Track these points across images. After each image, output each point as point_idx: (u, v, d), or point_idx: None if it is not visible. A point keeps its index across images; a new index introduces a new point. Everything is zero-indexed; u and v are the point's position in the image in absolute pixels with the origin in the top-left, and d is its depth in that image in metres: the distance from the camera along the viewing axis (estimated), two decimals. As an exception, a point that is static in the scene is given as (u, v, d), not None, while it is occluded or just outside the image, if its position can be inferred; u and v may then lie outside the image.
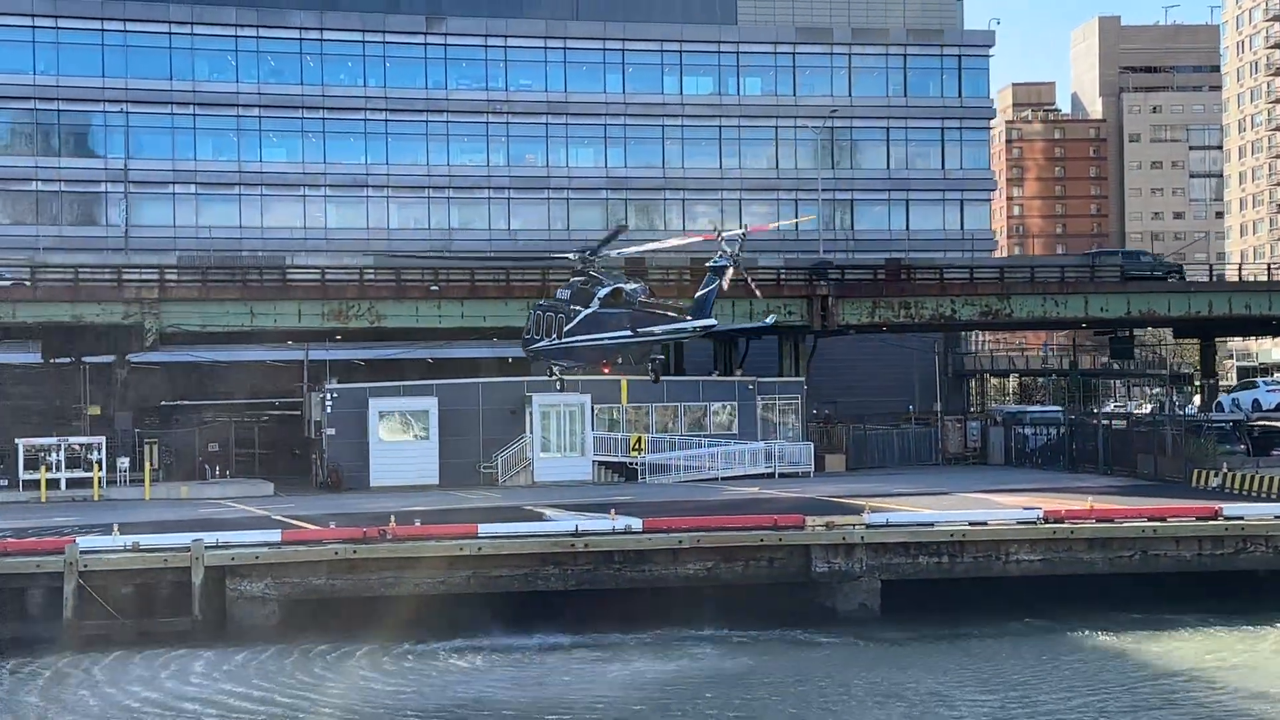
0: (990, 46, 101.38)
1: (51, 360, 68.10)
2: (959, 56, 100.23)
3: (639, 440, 62.22)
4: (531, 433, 61.23)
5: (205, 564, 36.75)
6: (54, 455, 57.03)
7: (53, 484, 56.44)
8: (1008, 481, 57.45)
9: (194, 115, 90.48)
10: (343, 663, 35.21)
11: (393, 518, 39.10)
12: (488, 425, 61.56)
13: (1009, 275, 70.44)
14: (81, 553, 36.29)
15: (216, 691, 32.74)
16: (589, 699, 32.23)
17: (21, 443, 56.97)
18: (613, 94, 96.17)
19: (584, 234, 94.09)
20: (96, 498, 55.96)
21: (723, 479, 61.48)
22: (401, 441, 60.51)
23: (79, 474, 56.93)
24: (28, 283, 56.88)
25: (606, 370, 44.40)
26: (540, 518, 43.68)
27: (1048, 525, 40.90)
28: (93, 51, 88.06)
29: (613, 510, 41.38)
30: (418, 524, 39.44)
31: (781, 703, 32.17)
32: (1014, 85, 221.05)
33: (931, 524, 41.25)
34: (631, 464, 61.79)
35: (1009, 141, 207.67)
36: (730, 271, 39.36)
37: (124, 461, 58.54)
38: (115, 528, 38.57)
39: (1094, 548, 41.05)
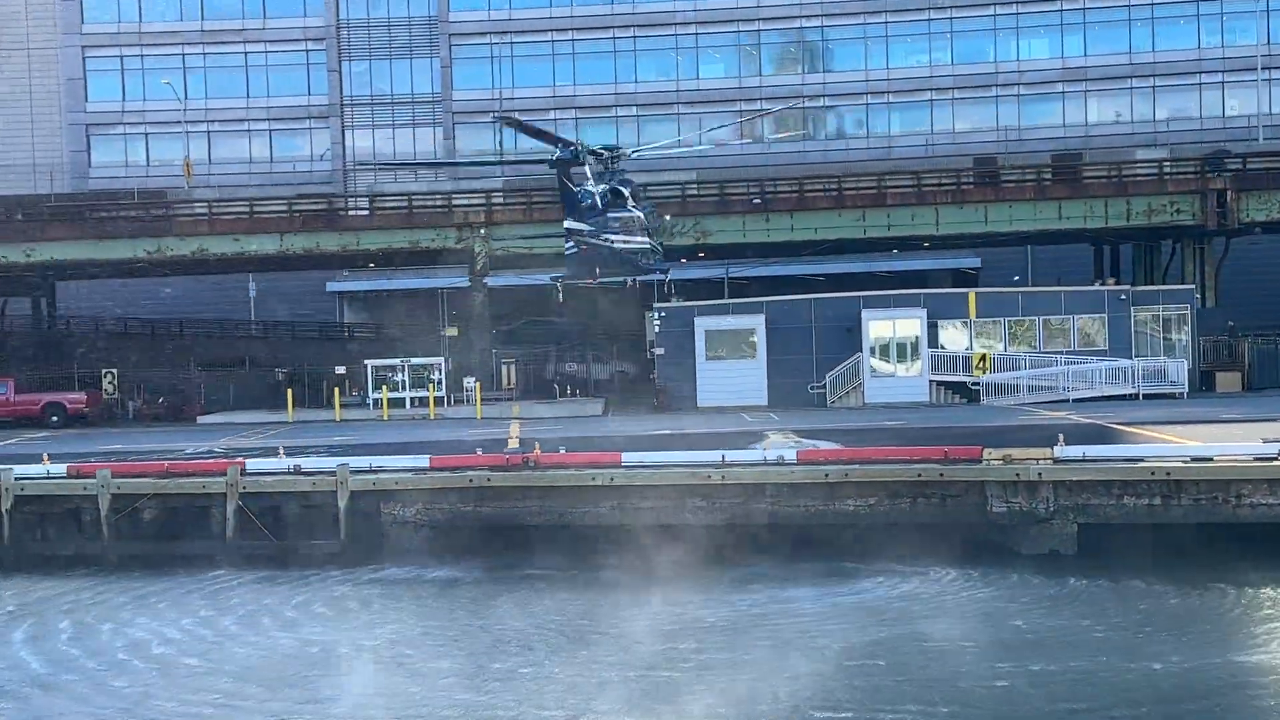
0: None
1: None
2: None
3: (983, 358, 57.02)
4: (863, 351, 57.71)
5: (350, 488, 37.43)
6: (399, 375, 60.35)
7: (400, 403, 59.93)
8: None
9: (637, 37, 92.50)
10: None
11: (537, 445, 38.00)
12: (820, 343, 58.67)
13: None
14: (242, 474, 38.02)
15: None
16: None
17: (370, 363, 60.70)
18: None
19: (1036, 134, 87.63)
20: (433, 416, 58.65)
21: (1074, 400, 55.34)
22: (728, 361, 58.93)
23: (424, 394, 60.00)
24: (367, 211, 60.13)
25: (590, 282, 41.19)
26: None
27: (1282, 463, 33.45)
28: None
29: (766, 439, 38.07)
30: (562, 451, 38.12)
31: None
32: None
33: (1139, 459, 34.87)
34: (972, 384, 56.82)
35: None
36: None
37: (470, 380, 60.91)
38: (281, 450, 40.16)
39: (1356, 492, 33.16)
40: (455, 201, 60.17)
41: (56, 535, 38.75)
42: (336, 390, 59.44)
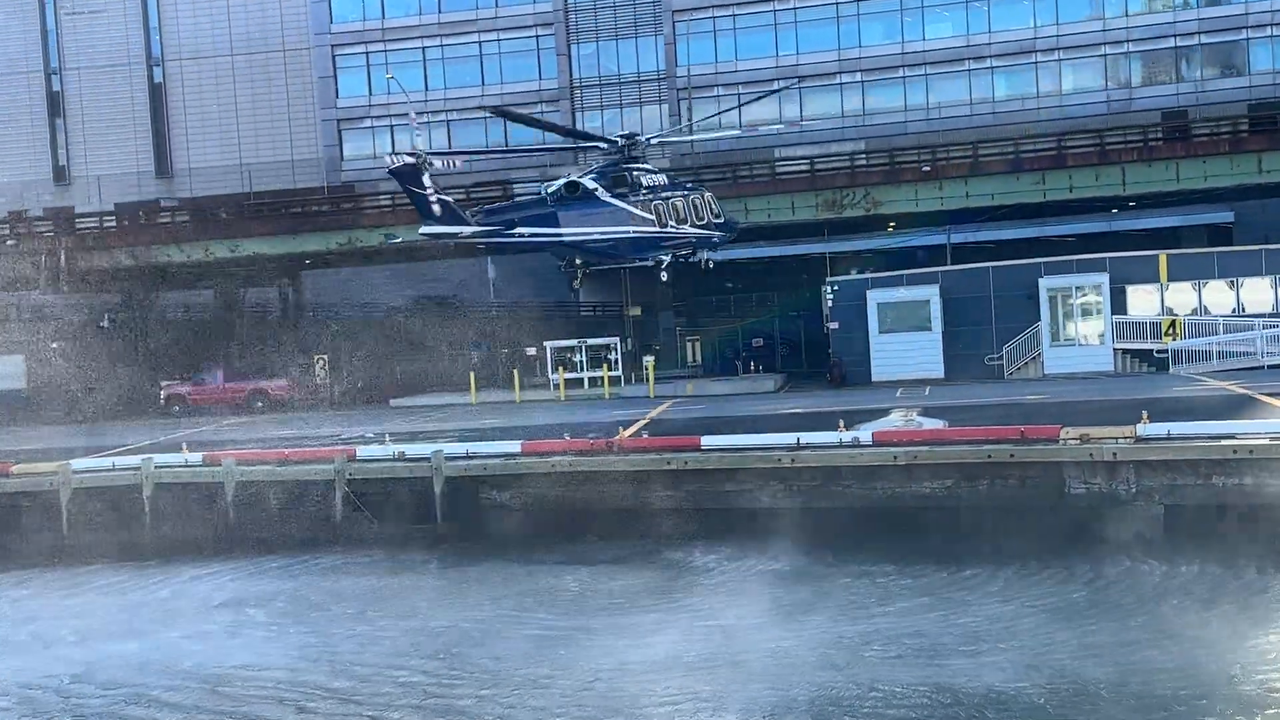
0: None
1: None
2: None
3: (1171, 324, 53.71)
4: (1042, 319, 55.22)
5: (445, 474, 38.43)
6: (577, 356, 61.26)
7: (579, 383, 60.84)
8: None
9: (861, 0, 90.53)
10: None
11: (622, 429, 38.09)
12: (1000, 313, 56.43)
13: None
14: (349, 460, 39.56)
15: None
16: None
17: (549, 344, 61.82)
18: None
19: (1267, 79, 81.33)
20: (607, 396, 59.30)
21: (1270, 366, 51.60)
22: (902, 334, 57.36)
23: (601, 373, 60.69)
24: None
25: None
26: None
27: (1383, 442, 30.42)
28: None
29: (841, 423, 36.92)
30: (645, 436, 38.07)
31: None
32: None
33: (1229, 436, 32.33)
34: (1158, 352, 53.60)
35: None
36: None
37: (648, 359, 61.29)
38: (386, 437, 41.45)
39: None
40: (624, 183, 60.45)
41: (192, 520, 41.19)
42: (516, 371, 60.83)
